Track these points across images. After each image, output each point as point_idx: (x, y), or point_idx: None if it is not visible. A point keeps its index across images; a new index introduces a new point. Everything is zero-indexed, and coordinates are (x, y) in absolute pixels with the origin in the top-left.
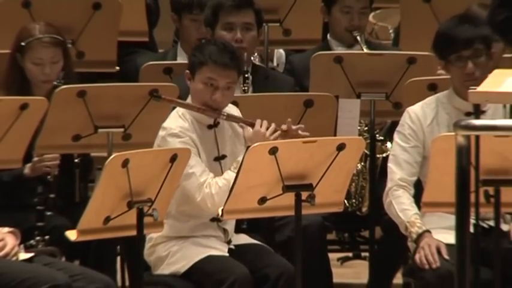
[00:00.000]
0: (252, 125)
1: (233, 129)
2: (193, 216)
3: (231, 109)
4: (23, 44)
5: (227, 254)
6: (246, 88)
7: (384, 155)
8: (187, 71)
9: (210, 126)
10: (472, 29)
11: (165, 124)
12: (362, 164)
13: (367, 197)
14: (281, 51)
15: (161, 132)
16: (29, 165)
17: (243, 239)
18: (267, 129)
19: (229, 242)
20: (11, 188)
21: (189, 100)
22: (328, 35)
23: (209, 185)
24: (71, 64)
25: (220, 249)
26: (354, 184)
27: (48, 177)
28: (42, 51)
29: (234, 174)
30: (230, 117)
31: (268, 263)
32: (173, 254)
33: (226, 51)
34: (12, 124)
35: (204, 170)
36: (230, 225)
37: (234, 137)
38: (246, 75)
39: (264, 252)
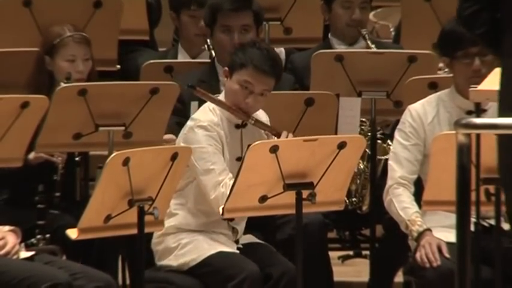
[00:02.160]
0: (278, 135)
1: (259, 134)
2: (208, 213)
3: (261, 114)
4: (55, 42)
5: (237, 251)
6: None
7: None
8: (226, 68)
9: (237, 126)
10: None
11: (195, 116)
12: (365, 163)
13: (368, 196)
14: (281, 48)
15: (190, 123)
16: (33, 152)
17: (248, 238)
18: None
19: (237, 242)
20: (13, 180)
21: (222, 96)
22: (329, 34)
23: (225, 185)
24: (94, 65)
25: (230, 247)
26: (354, 182)
27: (55, 176)
28: (75, 47)
29: None
30: (258, 123)
31: (272, 262)
32: (183, 246)
33: (268, 58)
34: (13, 122)
35: (225, 169)
36: (241, 226)
37: None
38: None
39: (268, 252)
